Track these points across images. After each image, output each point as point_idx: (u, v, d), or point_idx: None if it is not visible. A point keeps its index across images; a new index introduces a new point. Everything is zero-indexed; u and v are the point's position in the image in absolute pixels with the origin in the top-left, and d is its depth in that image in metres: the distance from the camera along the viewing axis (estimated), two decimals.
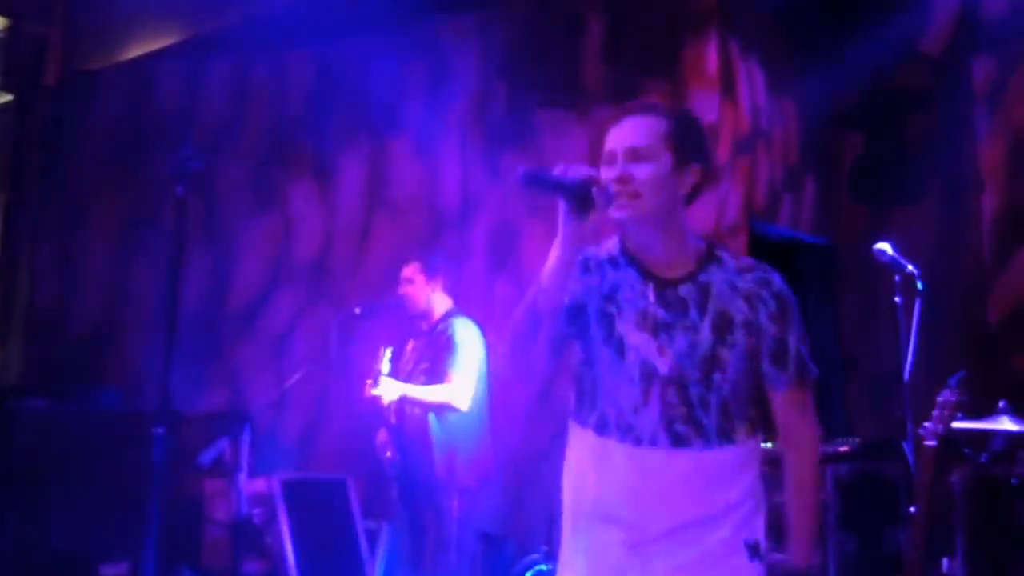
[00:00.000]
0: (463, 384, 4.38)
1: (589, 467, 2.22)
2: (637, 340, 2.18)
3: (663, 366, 2.16)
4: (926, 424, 2.97)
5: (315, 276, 6.76)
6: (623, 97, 4.60)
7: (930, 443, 2.94)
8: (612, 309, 2.23)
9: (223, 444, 5.55)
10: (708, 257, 2.23)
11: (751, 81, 5.29)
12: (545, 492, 5.15)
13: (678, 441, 2.14)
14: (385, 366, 4.45)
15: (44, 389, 7.35)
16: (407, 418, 4.48)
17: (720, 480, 2.15)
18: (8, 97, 8.63)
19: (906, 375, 3.15)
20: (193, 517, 5.97)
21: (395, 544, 4.65)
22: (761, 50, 5.24)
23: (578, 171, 2.05)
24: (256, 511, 5.36)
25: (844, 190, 4.84)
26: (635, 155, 2.16)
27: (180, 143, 7.14)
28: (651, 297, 2.21)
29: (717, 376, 2.15)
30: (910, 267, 3.28)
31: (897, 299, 3.26)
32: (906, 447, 3.15)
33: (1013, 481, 3.09)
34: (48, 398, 6.89)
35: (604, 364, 2.21)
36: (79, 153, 8.09)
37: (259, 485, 5.35)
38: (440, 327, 4.56)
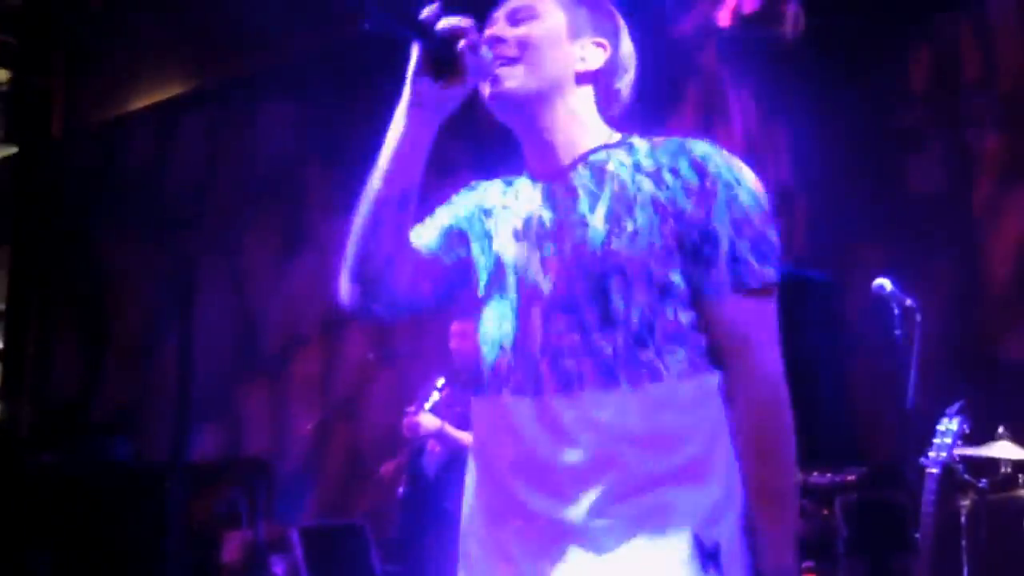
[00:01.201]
0: None
1: (475, 447, 1.75)
2: (515, 254, 1.69)
3: (546, 284, 1.63)
4: (928, 452, 3.20)
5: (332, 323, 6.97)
6: None
7: (933, 470, 3.16)
8: (490, 224, 1.76)
9: (237, 493, 5.77)
10: (614, 142, 1.71)
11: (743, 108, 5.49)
12: None
13: (567, 383, 1.59)
14: (433, 398, 4.59)
15: (52, 443, 7.58)
16: (427, 454, 4.62)
17: (645, 440, 1.55)
18: (13, 149, 8.92)
19: (908, 404, 3.37)
20: (210, 568, 6.13)
21: None
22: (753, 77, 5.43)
23: (449, 21, 1.62)
24: (274, 560, 5.54)
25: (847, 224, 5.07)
26: (517, 15, 1.72)
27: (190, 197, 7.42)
28: (537, 197, 1.71)
29: (616, 282, 1.59)
30: (909, 301, 3.51)
31: (897, 332, 3.48)
32: (910, 475, 3.37)
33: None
34: (57, 451, 7.10)
35: (488, 301, 1.72)
36: (87, 205, 8.35)
37: (276, 533, 5.52)
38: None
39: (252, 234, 7.34)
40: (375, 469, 5.14)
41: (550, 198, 1.69)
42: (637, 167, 1.65)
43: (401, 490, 4.72)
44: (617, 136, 1.73)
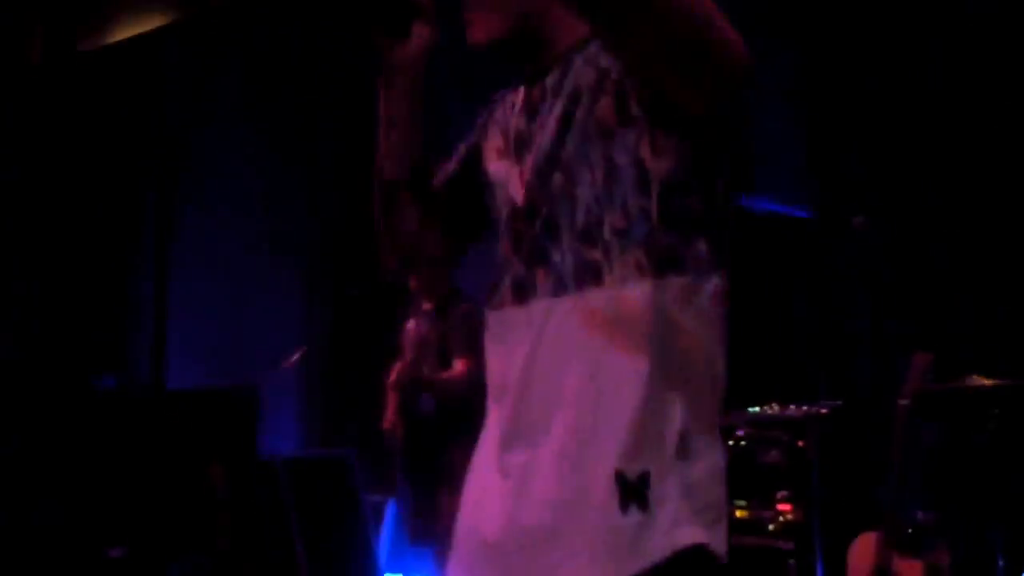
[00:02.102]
0: (472, 367, 4.59)
1: None
2: (497, 170, 1.62)
3: (518, 194, 1.54)
4: (902, 384, 3.33)
5: (315, 254, 7.08)
6: None
7: (904, 402, 3.29)
8: (483, 143, 1.69)
9: (221, 424, 5.89)
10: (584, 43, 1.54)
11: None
12: None
13: (520, 291, 1.51)
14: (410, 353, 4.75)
15: (40, 375, 7.68)
16: (418, 397, 4.75)
17: (584, 354, 1.41)
18: None
19: (882, 337, 3.50)
20: (195, 498, 6.26)
21: (401, 519, 4.96)
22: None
23: None
24: (260, 491, 5.67)
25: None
26: None
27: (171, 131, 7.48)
28: (518, 106, 1.61)
29: (558, 178, 1.48)
30: (885, 237, 3.62)
31: (874, 267, 3.60)
32: (883, 407, 3.51)
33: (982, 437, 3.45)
34: (44, 382, 7.21)
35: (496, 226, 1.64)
36: (68, 136, 8.37)
37: (263, 464, 5.65)
38: (448, 309, 4.77)
39: (237, 163, 7.40)
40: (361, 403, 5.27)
41: (528, 107, 1.58)
42: (595, 58, 1.50)
43: (401, 433, 4.87)
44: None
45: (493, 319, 1.55)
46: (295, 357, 6.00)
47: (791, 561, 3.63)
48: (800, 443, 3.76)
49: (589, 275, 1.42)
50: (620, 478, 1.35)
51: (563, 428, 1.41)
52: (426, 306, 4.89)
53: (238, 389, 6.47)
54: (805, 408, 3.77)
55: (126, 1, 7.97)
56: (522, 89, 1.61)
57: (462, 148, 1.74)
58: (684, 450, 1.38)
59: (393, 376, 4.68)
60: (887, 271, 3.56)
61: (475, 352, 4.61)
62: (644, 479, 1.35)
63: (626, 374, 1.38)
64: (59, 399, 6.81)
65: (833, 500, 3.74)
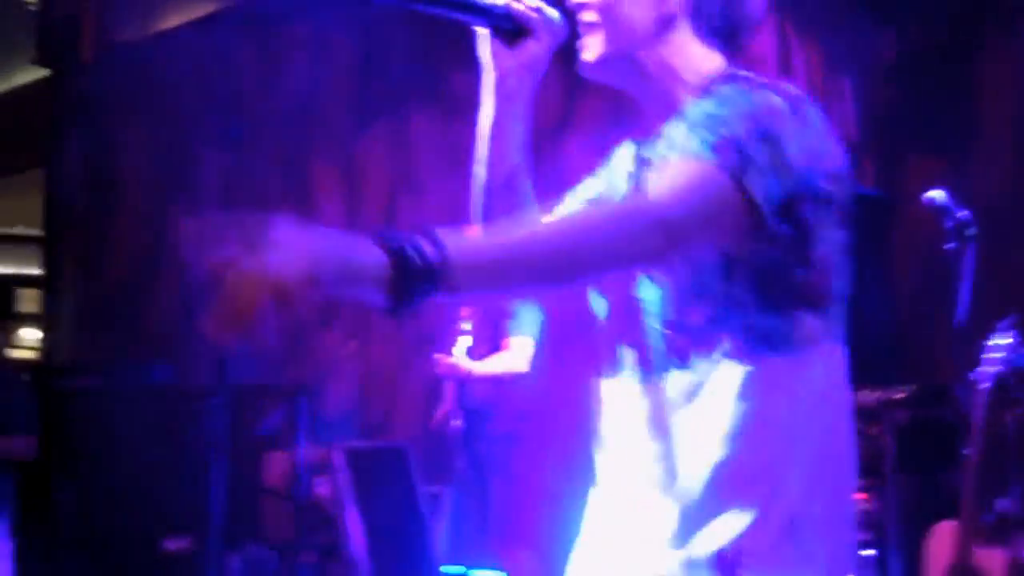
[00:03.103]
0: (522, 346, 4.65)
1: None
2: None
3: None
4: (979, 367, 3.22)
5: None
6: None
7: (984, 386, 3.19)
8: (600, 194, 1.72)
9: (279, 415, 5.91)
10: (700, 92, 1.57)
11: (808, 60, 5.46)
12: None
13: (617, 366, 1.59)
14: (461, 344, 4.74)
15: (94, 368, 7.77)
16: (473, 386, 4.77)
17: (677, 435, 1.48)
18: (44, 72, 9.02)
19: (960, 320, 3.39)
20: (253, 490, 6.31)
21: (461, 509, 4.97)
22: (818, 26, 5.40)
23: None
24: (318, 481, 5.69)
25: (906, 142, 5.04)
26: None
27: (213, 118, 7.50)
28: (630, 163, 1.65)
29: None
30: (962, 213, 3.50)
31: (950, 246, 3.48)
32: (961, 391, 3.40)
33: None
34: (100, 376, 7.29)
35: None
36: (116, 127, 8.46)
37: (319, 455, 5.67)
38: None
39: (291, 152, 7.42)
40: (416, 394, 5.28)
41: (636, 164, 1.63)
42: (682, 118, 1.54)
43: (457, 424, 4.88)
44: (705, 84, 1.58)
45: (599, 385, 1.62)
46: (351, 348, 6.02)
47: (867, 552, 3.54)
48: (874, 430, 3.67)
49: (677, 359, 1.48)
50: (720, 557, 1.42)
51: (660, 506, 1.49)
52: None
53: (296, 381, 6.50)
54: (878, 393, 3.67)
55: None
56: (632, 145, 1.65)
57: (582, 189, 1.74)
58: (790, 530, 1.43)
59: (444, 365, 4.69)
60: (964, 248, 3.44)
61: (528, 332, 4.64)
62: (739, 556, 1.42)
63: (715, 459, 1.45)
64: (116, 390, 6.89)
65: (909, 489, 3.64)
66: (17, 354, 10.39)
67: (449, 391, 4.92)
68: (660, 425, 1.48)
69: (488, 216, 1.69)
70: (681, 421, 1.47)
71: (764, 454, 1.44)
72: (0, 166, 10.20)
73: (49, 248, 9.05)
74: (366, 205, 7.07)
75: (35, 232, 9.85)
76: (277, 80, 7.51)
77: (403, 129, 6.84)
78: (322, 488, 5.63)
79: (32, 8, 8.88)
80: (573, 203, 1.72)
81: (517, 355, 4.65)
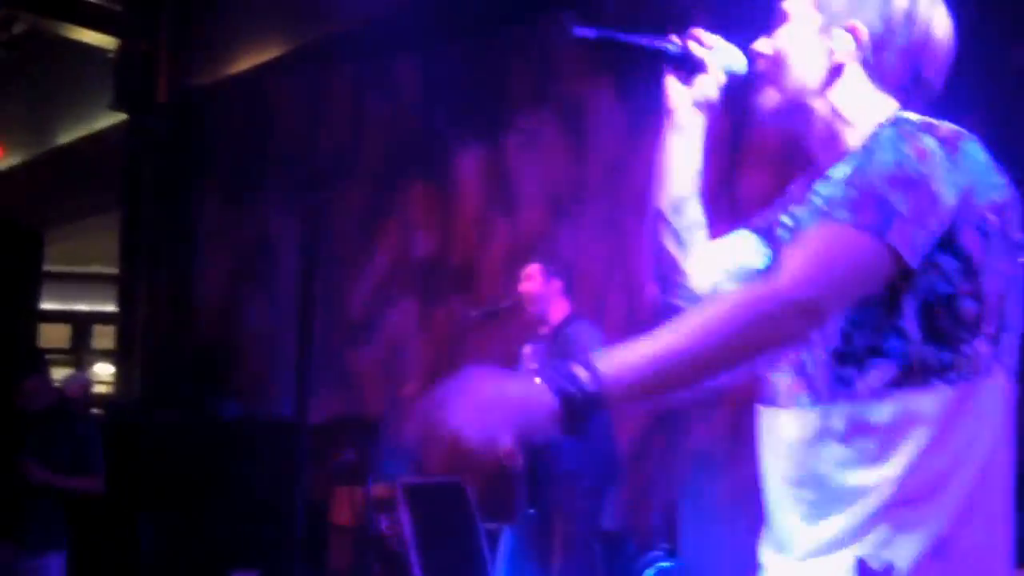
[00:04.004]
0: None
1: None
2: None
3: None
4: None
5: (432, 282, 7.20)
6: None
7: None
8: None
9: (351, 451, 6.06)
10: (867, 137, 1.62)
11: None
12: (666, 488, 5.53)
13: (778, 395, 1.67)
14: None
15: (164, 403, 8.01)
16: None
17: (838, 461, 1.55)
18: (122, 116, 9.34)
19: None
20: (321, 524, 6.46)
21: (519, 546, 5.05)
22: None
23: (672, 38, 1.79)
24: (380, 516, 5.81)
25: None
26: (775, 23, 1.74)
27: (296, 160, 7.67)
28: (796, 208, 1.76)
29: None
30: None
31: None
32: None
33: None
34: (170, 411, 7.52)
35: None
36: (193, 168, 8.73)
37: (383, 491, 5.79)
38: (564, 332, 4.83)
39: (362, 196, 7.60)
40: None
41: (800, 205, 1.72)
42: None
43: (520, 461, 4.94)
44: (883, 123, 1.62)
45: (761, 414, 1.71)
46: (413, 386, 6.15)
47: None
48: None
49: (840, 387, 1.55)
50: (862, 564, 1.50)
51: (813, 523, 1.58)
52: (543, 330, 4.99)
53: (359, 417, 6.66)
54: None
55: (241, 34, 8.24)
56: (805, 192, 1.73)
57: (762, 220, 1.85)
58: (940, 551, 1.50)
59: None
60: None
61: None
62: (888, 570, 1.49)
63: (873, 481, 1.52)
64: (186, 427, 7.09)
65: None
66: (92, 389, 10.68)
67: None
68: (817, 452, 1.57)
69: (659, 239, 1.83)
70: (840, 449, 1.54)
71: (921, 478, 1.50)
72: (80, 207, 10.53)
73: (124, 286, 9.32)
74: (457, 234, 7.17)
75: (111, 271, 10.14)
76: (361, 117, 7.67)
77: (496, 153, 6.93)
78: (383, 523, 5.74)
79: (110, 55, 9.21)
80: (740, 244, 1.84)
81: None
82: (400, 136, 7.44)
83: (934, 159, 1.50)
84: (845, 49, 1.66)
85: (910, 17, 1.65)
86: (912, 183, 1.48)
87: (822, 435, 1.56)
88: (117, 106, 9.25)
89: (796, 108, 1.70)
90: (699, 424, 5.55)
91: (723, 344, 1.46)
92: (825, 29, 1.67)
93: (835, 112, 1.67)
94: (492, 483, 5.45)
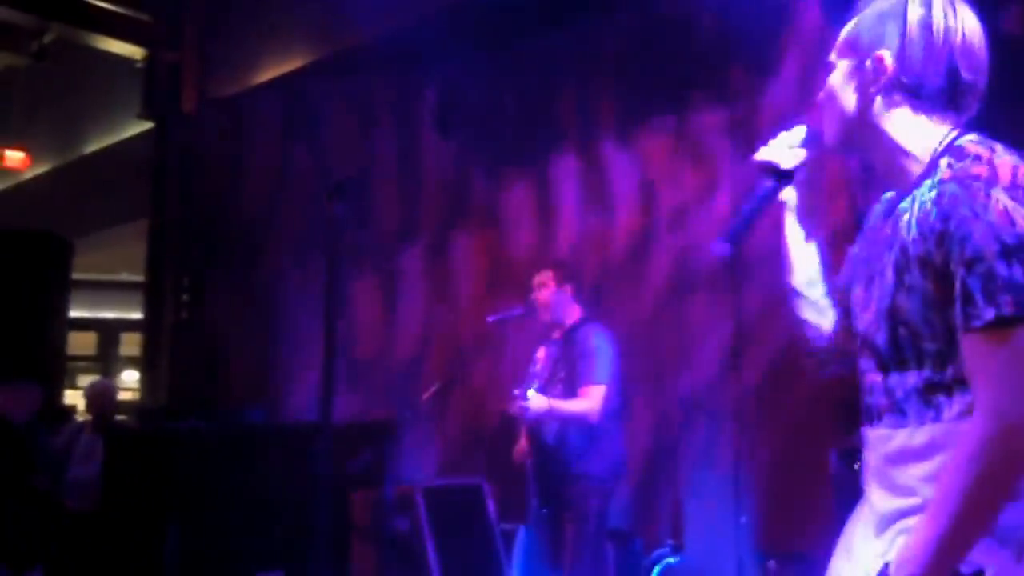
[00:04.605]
0: (598, 395, 4.79)
1: None
2: (855, 296, 1.92)
3: (861, 323, 1.86)
4: None
5: (446, 287, 7.31)
6: None
7: None
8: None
9: (369, 454, 6.15)
10: (927, 172, 1.76)
11: None
12: (671, 487, 5.63)
13: (869, 414, 1.83)
14: (534, 384, 4.89)
15: (190, 410, 8.11)
16: (546, 425, 4.91)
17: (920, 476, 1.71)
18: (149, 125, 9.51)
19: None
20: (342, 527, 6.54)
21: (532, 545, 5.15)
22: None
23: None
24: (399, 519, 5.90)
25: None
26: (827, 72, 1.92)
27: (323, 168, 7.76)
28: (867, 232, 1.95)
29: (903, 332, 1.74)
30: None
31: None
32: None
33: None
34: (196, 418, 7.62)
35: None
36: (217, 177, 8.87)
37: (401, 493, 5.88)
38: (574, 335, 4.98)
39: (382, 206, 7.72)
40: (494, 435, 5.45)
41: (871, 239, 1.89)
42: (917, 205, 1.72)
43: (530, 462, 5.06)
44: (928, 161, 1.76)
45: (864, 432, 1.87)
46: (433, 389, 6.22)
47: None
48: None
49: (929, 413, 1.71)
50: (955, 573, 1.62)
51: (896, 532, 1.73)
52: (556, 334, 5.10)
53: (378, 421, 6.75)
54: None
55: (268, 44, 8.35)
56: (879, 212, 1.92)
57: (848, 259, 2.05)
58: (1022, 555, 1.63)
59: (516, 404, 4.87)
60: None
61: (602, 380, 4.82)
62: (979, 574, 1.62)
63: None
64: (212, 433, 7.19)
65: None
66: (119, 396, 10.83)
67: (523, 431, 5.10)
68: (903, 468, 1.73)
69: (798, 314, 2.07)
70: (923, 465, 1.70)
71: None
72: (107, 216, 10.69)
73: (150, 294, 9.45)
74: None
75: (138, 278, 10.29)
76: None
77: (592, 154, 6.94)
78: (402, 525, 5.82)
79: (138, 65, 9.36)
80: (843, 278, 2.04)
81: (591, 402, 4.78)
82: (430, 146, 7.53)
83: (1018, 216, 1.61)
84: (875, 78, 1.81)
85: (927, 26, 1.77)
86: (1020, 250, 1.60)
87: (906, 453, 1.73)
88: (145, 115, 9.40)
89: (850, 141, 1.88)
90: (705, 424, 5.64)
91: (992, 497, 1.59)
92: (859, 66, 1.83)
93: (890, 140, 1.82)
94: (507, 484, 5.54)
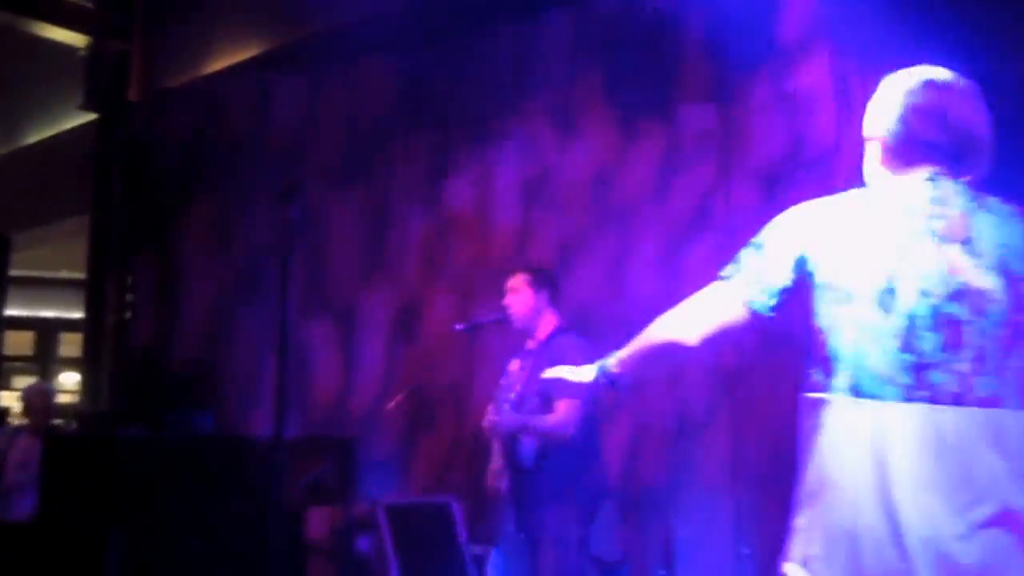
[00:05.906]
0: (573, 410, 4.51)
1: None
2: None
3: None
4: None
5: (405, 291, 7.12)
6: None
7: None
8: None
9: (327, 469, 5.94)
10: None
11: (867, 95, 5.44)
12: (662, 515, 5.44)
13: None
14: (506, 399, 4.69)
15: (134, 416, 7.85)
16: (522, 444, 4.66)
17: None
18: (92, 116, 9.21)
19: None
20: (295, 543, 6.34)
21: (508, 571, 4.93)
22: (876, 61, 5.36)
23: None
24: (361, 538, 5.71)
25: None
26: None
27: (275, 165, 7.53)
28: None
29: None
30: None
31: None
32: None
33: None
34: (141, 424, 7.37)
35: None
36: (163, 170, 8.59)
37: (363, 510, 5.69)
38: (550, 345, 4.71)
39: (339, 200, 7.51)
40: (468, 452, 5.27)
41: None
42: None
43: (505, 484, 4.81)
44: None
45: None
46: (396, 401, 6.03)
47: None
48: None
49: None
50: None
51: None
52: (530, 344, 4.86)
53: (339, 436, 6.54)
54: None
55: (216, 34, 8.17)
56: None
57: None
58: None
59: (489, 420, 4.65)
60: None
61: (578, 394, 4.60)
62: None
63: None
64: (159, 440, 6.95)
65: None
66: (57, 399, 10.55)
67: (497, 450, 4.87)
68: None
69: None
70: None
71: None
72: (48, 210, 10.41)
73: (92, 292, 9.19)
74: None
75: (79, 276, 10.02)
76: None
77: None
78: (364, 544, 5.64)
79: (81, 54, 9.09)
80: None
81: (565, 418, 4.51)
82: (387, 139, 7.35)
83: None
84: (871, 152, 2.35)
85: (892, 112, 2.34)
86: None
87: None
88: (87, 106, 9.14)
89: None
90: (696, 449, 5.47)
91: None
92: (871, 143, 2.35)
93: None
94: (479, 505, 5.36)
